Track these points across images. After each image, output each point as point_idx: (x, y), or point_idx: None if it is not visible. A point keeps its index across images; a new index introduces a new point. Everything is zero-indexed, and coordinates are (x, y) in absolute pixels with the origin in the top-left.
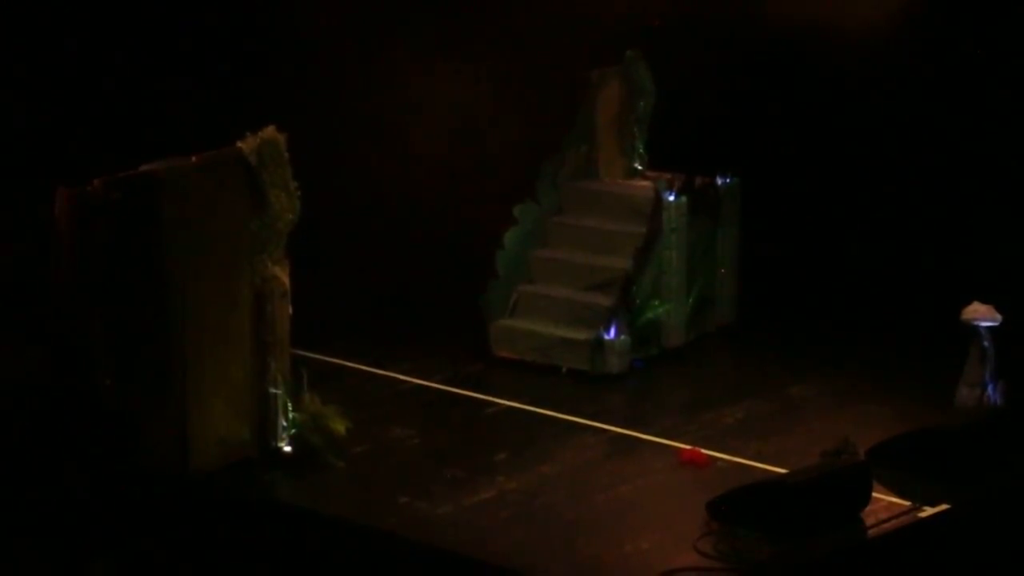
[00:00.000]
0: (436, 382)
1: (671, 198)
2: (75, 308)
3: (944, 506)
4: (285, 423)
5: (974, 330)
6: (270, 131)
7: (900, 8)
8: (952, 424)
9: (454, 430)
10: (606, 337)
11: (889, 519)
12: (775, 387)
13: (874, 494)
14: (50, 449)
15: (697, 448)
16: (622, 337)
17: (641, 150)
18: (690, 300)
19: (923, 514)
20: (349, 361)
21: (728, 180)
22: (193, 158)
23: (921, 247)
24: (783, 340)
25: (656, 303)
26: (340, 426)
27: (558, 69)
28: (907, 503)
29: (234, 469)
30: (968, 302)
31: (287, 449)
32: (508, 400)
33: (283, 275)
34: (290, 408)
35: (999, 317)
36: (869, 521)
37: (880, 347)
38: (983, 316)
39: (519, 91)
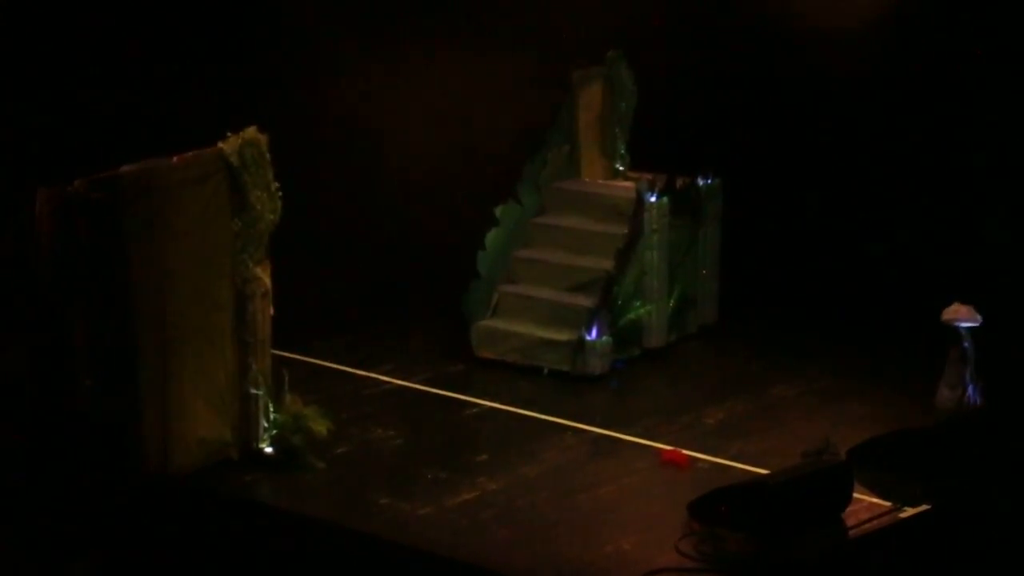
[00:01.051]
0: (418, 383)
1: (652, 199)
2: (55, 308)
3: (925, 507)
4: (266, 424)
5: (954, 331)
6: (252, 132)
7: (884, 7)
8: (933, 425)
9: (435, 431)
10: (588, 338)
11: (870, 519)
12: (756, 387)
13: (855, 494)
14: (30, 449)
15: (678, 449)
16: (604, 338)
17: (623, 151)
18: (671, 301)
19: (904, 515)
20: (331, 362)
21: (710, 180)
22: (174, 159)
23: (902, 248)
24: (764, 340)
25: (638, 304)
26: (321, 427)
27: (543, 69)
28: (888, 503)
29: (215, 469)
30: (949, 303)
31: (268, 450)
32: (490, 401)
33: (264, 276)
34: (271, 409)
35: (979, 318)
36: (850, 522)
37: (861, 348)
38: (963, 317)
39: (502, 91)
